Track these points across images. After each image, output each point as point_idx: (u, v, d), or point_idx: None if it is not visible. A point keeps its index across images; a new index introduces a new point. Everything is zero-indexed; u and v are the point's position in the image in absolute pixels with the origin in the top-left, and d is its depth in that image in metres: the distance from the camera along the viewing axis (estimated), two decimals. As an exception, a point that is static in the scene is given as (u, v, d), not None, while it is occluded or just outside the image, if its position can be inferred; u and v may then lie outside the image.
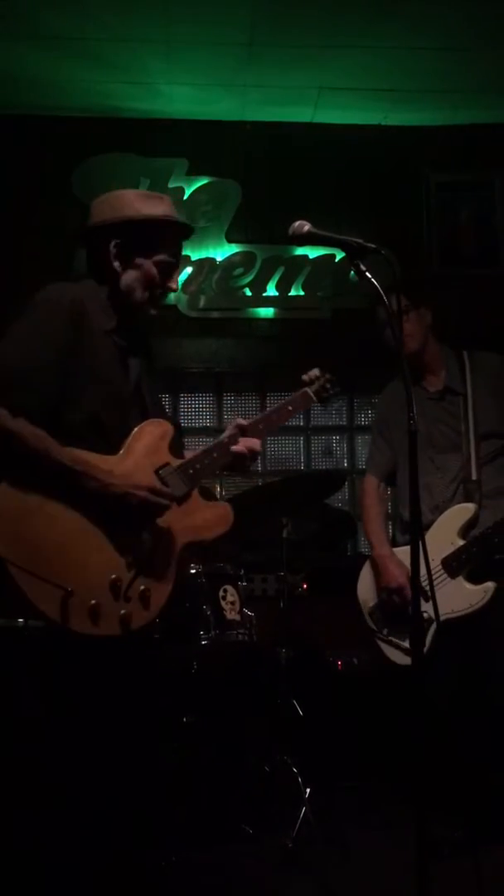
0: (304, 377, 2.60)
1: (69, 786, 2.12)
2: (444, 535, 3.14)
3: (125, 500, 2.12)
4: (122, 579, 2.12)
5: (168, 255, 2.29)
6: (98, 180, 5.05)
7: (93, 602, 2.05)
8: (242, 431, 2.39)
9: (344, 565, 4.56)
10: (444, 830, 2.93)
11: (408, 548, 3.18)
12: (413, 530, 2.03)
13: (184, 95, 4.92)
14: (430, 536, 3.13)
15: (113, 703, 2.18)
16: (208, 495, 2.39)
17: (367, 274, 2.04)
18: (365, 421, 5.48)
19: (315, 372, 2.61)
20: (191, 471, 2.29)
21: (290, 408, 2.53)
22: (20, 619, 2.25)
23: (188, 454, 2.37)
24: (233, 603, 3.26)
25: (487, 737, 3.07)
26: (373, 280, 2.02)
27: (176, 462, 2.29)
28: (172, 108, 5.05)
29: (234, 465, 2.39)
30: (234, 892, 2.83)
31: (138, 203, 2.27)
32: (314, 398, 2.59)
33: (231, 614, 3.24)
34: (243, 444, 2.38)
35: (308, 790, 3.11)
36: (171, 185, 5.13)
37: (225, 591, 3.27)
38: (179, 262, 2.34)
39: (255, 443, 2.40)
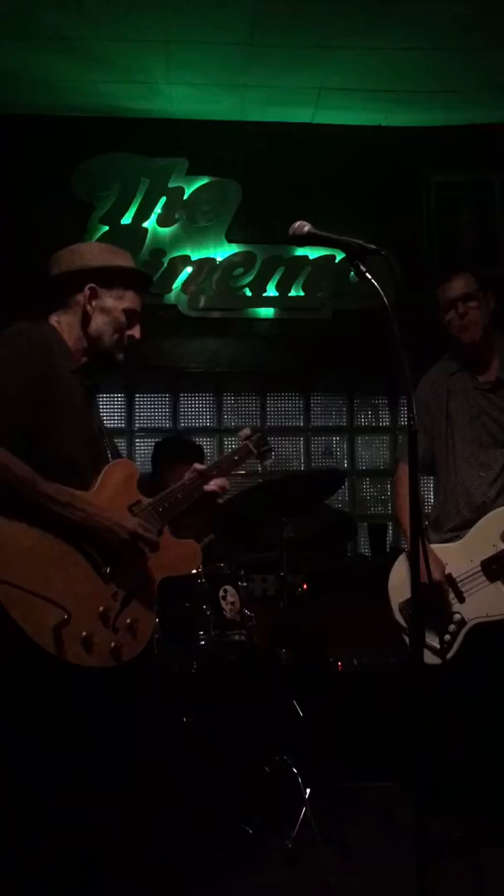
0: (240, 433, 2.72)
1: (67, 787, 2.12)
2: (485, 537, 3.04)
3: (111, 533, 2.17)
4: (111, 609, 2.15)
5: (133, 305, 2.38)
6: (98, 180, 5.07)
7: (84, 633, 2.07)
8: (201, 475, 2.49)
9: (344, 566, 4.56)
10: (444, 830, 2.93)
11: (443, 546, 3.14)
12: (413, 530, 2.02)
13: (184, 95, 4.92)
14: (471, 537, 3.08)
15: (110, 703, 2.18)
16: (176, 533, 2.46)
17: (367, 274, 2.04)
18: (365, 421, 5.49)
19: (247, 430, 2.72)
20: (160, 509, 2.36)
21: (235, 458, 2.64)
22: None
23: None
24: (233, 603, 3.26)
25: (489, 737, 3.07)
26: (372, 280, 2.02)
27: (146, 500, 2.36)
28: (172, 108, 5.05)
29: (197, 507, 2.48)
30: (234, 892, 2.83)
31: (107, 254, 2.39)
32: (254, 451, 2.68)
33: (231, 614, 3.24)
34: (214, 484, 2.48)
35: (308, 790, 3.10)
36: (171, 185, 5.14)
37: (225, 591, 3.27)
38: (140, 315, 2.43)
39: (224, 482, 2.51)
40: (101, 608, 2.13)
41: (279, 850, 3.01)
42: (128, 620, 2.18)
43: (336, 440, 5.49)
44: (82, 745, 2.11)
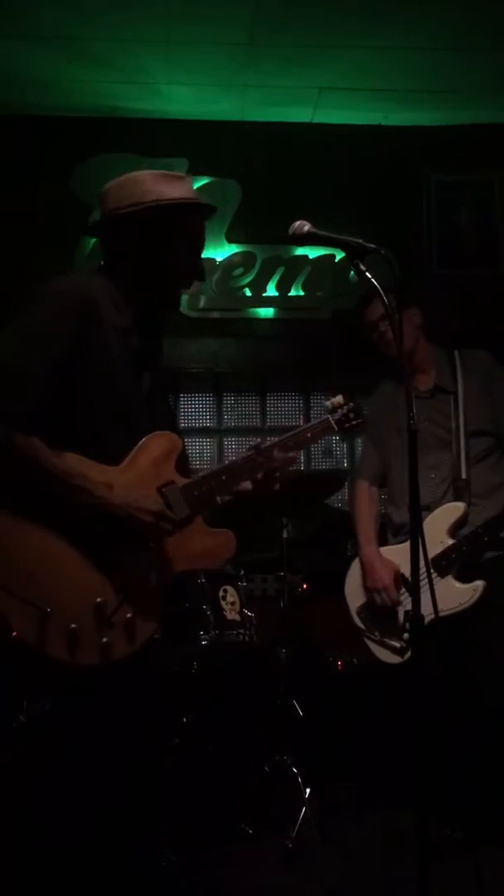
0: (327, 403, 2.42)
1: (69, 786, 2.12)
2: (433, 534, 3.11)
3: (123, 519, 1.98)
4: (108, 603, 1.97)
5: (195, 239, 2.18)
6: (98, 180, 5.04)
7: (73, 626, 1.91)
8: (259, 454, 2.22)
9: (344, 565, 4.54)
10: (444, 831, 2.93)
11: (397, 547, 3.25)
12: (413, 531, 2.02)
13: (184, 95, 4.92)
14: None
15: (111, 702, 2.17)
16: (212, 521, 2.20)
17: (367, 274, 2.04)
18: (365, 421, 5.48)
19: (339, 399, 2.41)
20: (196, 493, 2.12)
21: (308, 434, 2.35)
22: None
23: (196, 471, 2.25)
24: (233, 603, 3.26)
25: (484, 736, 3.07)
26: (372, 280, 2.02)
27: (181, 481, 2.13)
28: (172, 108, 5.05)
29: (247, 494, 2.22)
30: (234, 892, 2.83)
31: (159, 186, 2.13)
32: (335, 427, 2.39)
33: (231, 614, 3.24)
34: (279, 460, 2.21)
35: (308, 790, 3.11)
36: (171, 185, 5.13)
37: (225, 591, 3.27)
38: (204, 245, 2.22)
39: (289, 458, 2.23)
40: (98, 601, 1.95)
41: (279, 850, 3.01)
42: (127, 616, 1.99)
43: (336, 440, 5.48)
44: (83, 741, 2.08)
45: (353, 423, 2.41)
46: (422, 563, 3.00)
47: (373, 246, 2.06)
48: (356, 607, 3.35)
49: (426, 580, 3.06)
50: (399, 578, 3.20)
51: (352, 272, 4.54)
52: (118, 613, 1.98)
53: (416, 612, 2.02)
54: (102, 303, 2.06)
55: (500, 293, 5.15)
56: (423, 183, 5.31)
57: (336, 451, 5.48)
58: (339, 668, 4.01)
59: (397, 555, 3.24)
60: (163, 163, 5.10)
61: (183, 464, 2.17)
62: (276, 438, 2.30)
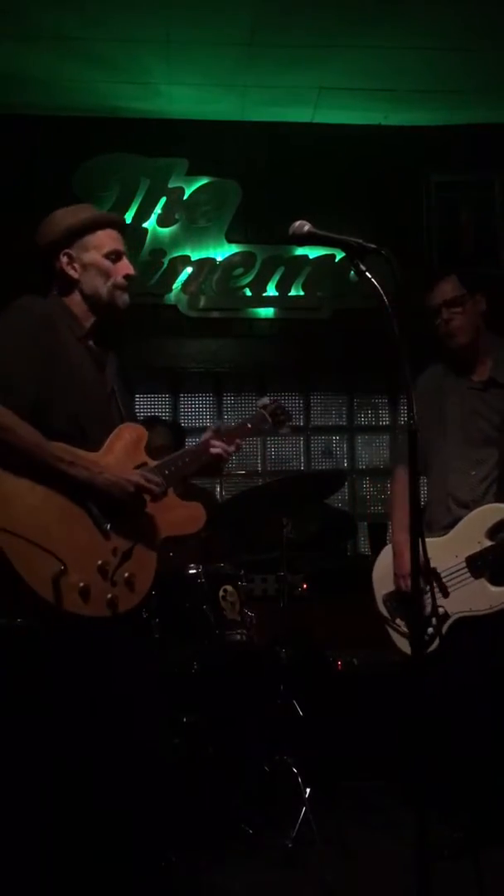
0: (259, 402, 2.86)
1: (69, 785, 2.12)
2: (471, 534, 3.07)
3: (116, 488, 2.24)
4: (109, 564, 2.22)
5: (112, 245, 2.44)
6: (98, 180, 5.07)
7: (82, 584, 2.14)
8: (214, 437, 2.57)
9: (344, 565, 4.56)
10: (444, 830, 2.93)
11: (430, 540, 3.12)
12: (413, 528, 2.02)
13: (184, 95, 4.92)
14: (457, 533, 3.09)
15: (112, 700, 2.19)
16: (185, 495, 2.54)
17: (367, 274, 2.04)
18: (365, 421, 5.48)
19: (265, 399, 2.85)
20: (166, 471, 2.43)
21: (248, 425, 2.74)
22: (18, 619, 2.26)
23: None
24: (233, 603, 3.26)
25: (489, 737, 3.06)
26: (372, 280, 2.02)
27: (153, 463, 2.43)
28: (172, 108, 5.05)
29: (203, 471, 2.58)
30: (234, 892, 2.83)
31: (68, 216, 2.47)
32: (269, 419, 2.80)
33: (231, 614, 3.24)
34: (221, 448, 2.56)
35: (308, 790, 3.10)
36: (171, 185, 5.14)
37: (225, 591, 3.26)
38: (123, 250, 2.49)
39: (228, 448, 2.58)
40: (100, 562, 2.20)
41: (279, 849, 3.01)
42: (126, 574, 2.25)
43: (336, 440, 5.49)
44: (82, 711, 2.16)
45: (281, 417, 2.85)
46: (458, 560, 3.01)
47: (373, 246, 2.06)
48: (383, 595, 3.26)
49: (462, 579, 3.05)
50: (428, 571, 3.12)
51: (352, 272, 4.55)
52: (118, 573, 2.24)
53: (415, 611, 2.02)
54: (57, 315, 2.38)
55: (500, 293, 5.14)
56: (423, 183, 5.32)
57: (336, 451, 5.49)
58: (339, 668, 4.01)
59: (430, 549, 3.13)
60: (163, 163, 5.12)
61: (151, 450, 2.47)
62: (231, 425, 2.70)
